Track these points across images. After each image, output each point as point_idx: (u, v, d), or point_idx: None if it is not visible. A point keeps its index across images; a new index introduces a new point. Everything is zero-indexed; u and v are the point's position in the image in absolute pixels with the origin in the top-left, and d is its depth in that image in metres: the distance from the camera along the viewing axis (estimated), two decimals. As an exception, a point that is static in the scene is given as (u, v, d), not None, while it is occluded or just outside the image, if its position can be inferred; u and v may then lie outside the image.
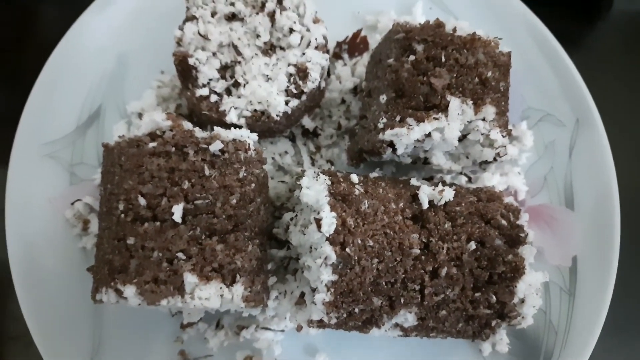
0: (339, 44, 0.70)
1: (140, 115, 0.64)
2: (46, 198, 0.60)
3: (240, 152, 0.50)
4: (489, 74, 0.54)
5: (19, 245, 0.58)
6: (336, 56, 0.70)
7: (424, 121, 0.52)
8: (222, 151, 0.49)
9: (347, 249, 0.47)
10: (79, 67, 0.64)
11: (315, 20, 0.58)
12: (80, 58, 0.64)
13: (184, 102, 0.63)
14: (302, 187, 0.52)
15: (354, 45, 0.70)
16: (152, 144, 0.47)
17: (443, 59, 0.53)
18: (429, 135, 0.53)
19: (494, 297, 0.50)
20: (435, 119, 0.52)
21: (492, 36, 0.66)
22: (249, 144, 0.51)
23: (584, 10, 0.79)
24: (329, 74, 0.69)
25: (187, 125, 0.50)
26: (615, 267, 0.63)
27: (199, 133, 0.50)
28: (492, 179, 0.66)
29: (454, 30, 0.54)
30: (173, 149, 0.48)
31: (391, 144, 0.54)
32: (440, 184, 0.54)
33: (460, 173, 0.65)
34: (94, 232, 0.59)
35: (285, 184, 0.63)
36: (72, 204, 0.60)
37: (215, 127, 0.50)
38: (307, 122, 0.64)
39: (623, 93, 0.77)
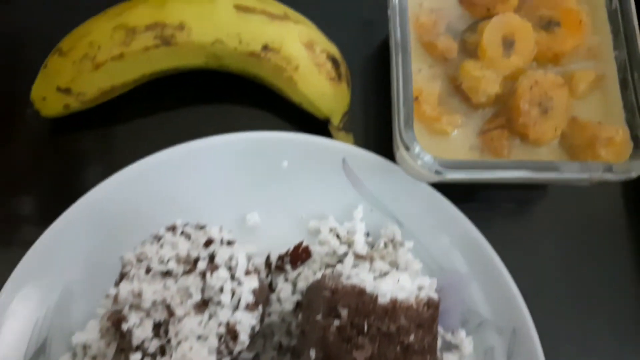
0: (281, 257, 0.72)
1: (84, 349, 0.66)
2: None
3: None
4: (411, 338, 0.56)
5: None
6: (278, 269, 0.71)
7: (347, 392, 0.54)
8: None
9: None
10: (26, 302, 0.66)
11: (247, 272, 0.60)
12: (26, 293, 0.66)
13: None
14: None
15: (297, 256, 0.72)
16: None
17: (365, 328, 0.55)
18: (353, 403, 0.54)
19: None
20: (359, 391, 0.54)
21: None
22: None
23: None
24: (271, 289, 0.71)
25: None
26: None
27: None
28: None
29: (376, 298, 0.56)
30: None
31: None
32: None
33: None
34: None
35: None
36: None
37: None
38: (246, 354, 0.66)
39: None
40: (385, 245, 0.73)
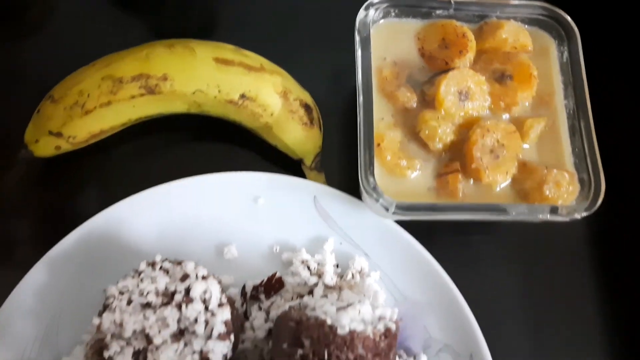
0: (255, 288, 0.78)
1: (70, 373, 0.71)
2: None
3: None
4: (368, 367, 0.61)
5: None
6: (253, 298, 0.77)
7: (309, 415, 0.59)
8: None
9: None
10: (15, 333, 0.71)
11: (220, 304, 0.66)
12: (16, 324, 0.71)
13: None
14: None
15: (270, 286, 0.78)
16: None
17: (326, 357, 0.61)
18: None
19: None
20: (319, 413, 0.59)
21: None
22: None
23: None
24: (246, 317, 0.76)
25: None
26: None
27: None
28: (395, 414, 0.73)
29: (335, 329, 0.61)
30: None
31: None
32: None
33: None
34: None
35: None
36: None
37: None
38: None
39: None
40: (353, 276, 0.79)
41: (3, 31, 0.93)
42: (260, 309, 0.77)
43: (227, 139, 0.86)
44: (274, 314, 0.76)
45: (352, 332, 0.62)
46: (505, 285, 0.83)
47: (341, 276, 0.80)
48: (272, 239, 0.81)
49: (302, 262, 0.79)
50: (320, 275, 0.78)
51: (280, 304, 0.76)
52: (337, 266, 0.80)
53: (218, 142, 0.86)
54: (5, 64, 0.90)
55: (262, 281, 0.78)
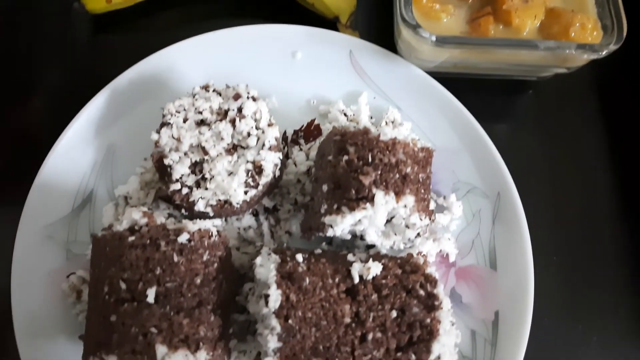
0: (295, 132, 0.82)
1: (126, 199, 0.76)
2: (46, 272, 0.72)
3: (204, 239, 0.62)
4: (408, 169, 0.66)
5: (22, 313, 0.69)
6: (294, 142, 0.82)
7: (354, 210, 0.64)
8: (189, 240, 0.61)
9: (290, 321, 0.59)
10: (74, 160, 0.76)
11: (270, 124, 0.71)
12: (75, 152, 0.77)
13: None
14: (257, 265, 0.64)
15: (309, 132, 0.83)
16: (130, 238, 0.59)
17: (370, 159, 0.65)
18: (359, 221, 0.65)
19: (414, 356, 0.62)
20: (364, 208, 0.64)
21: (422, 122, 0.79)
22: (212, 232, 0.63)
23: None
24: (288, 157, 0.81)
25: (160, 219, 0.62)
26: (529, 321, 0.74)
27: (170, 225, 0.62)
28: (425, 245, 0.78)
29: (379, 135, 0.66)
30: (148, 241, 0.60)
31: (331, 226, 0.66)
32: (371, 259, 0.66)
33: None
34: (85, 299, 0.70)
35: (248, 255, 0.75)
36: (68, 276, 0.71)
37: (183, 220, 0.63)
38: (267, 202, 0.76)
39: (544, 156, 0.89)
40: (387, 124, 0.83)
41: None
42: (300, 150, 0.81)
43: (266, 6, 0.90)
44: (313, 154, 0.80)
45: (393, 139, 0.67)
46: (530, 136, 0.88)
47: (375, 126, 0.84)
48: (310, 93, 0.85)
49: (339, 110, 0.83)
50: (356, 123, 0.83)
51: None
52: (372, 118, 0.85)
53: (257, 10, 0.91)
54: None
55: (302, 126, 0.82)
